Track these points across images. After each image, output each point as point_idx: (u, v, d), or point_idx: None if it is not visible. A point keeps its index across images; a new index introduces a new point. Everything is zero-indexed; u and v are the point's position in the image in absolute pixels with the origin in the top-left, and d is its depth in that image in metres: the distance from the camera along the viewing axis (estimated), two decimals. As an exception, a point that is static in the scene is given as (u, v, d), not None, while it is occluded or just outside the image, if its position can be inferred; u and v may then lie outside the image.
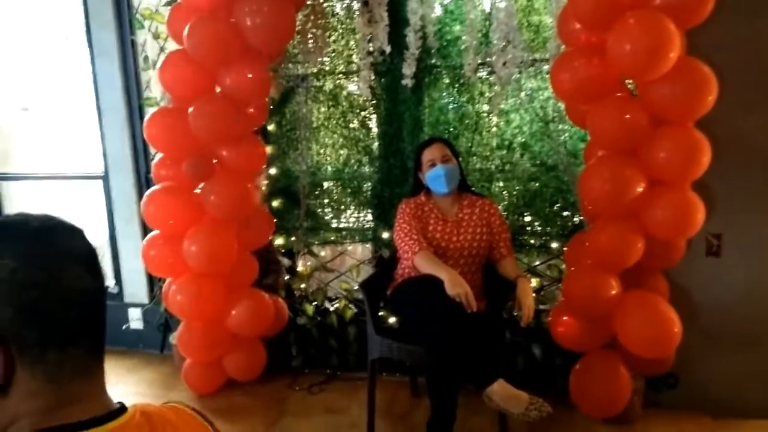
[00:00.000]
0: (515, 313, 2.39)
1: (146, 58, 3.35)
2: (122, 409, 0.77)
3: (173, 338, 3.29)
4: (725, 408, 2.77)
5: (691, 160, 2.29)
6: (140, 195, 3.53)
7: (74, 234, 0.77)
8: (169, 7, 2.91)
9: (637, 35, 2.13)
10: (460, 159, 2.75)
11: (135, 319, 3.69)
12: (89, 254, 0.76)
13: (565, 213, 2.98)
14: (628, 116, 2.30)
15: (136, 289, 3.70)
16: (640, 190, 2.33)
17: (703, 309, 2.74)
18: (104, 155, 3.55)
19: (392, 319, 2.93)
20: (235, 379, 3.19)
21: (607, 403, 2.65)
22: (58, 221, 0.76)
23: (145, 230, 3.54)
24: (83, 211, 3.77)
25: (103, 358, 0.78)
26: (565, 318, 2.71)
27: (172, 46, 3.23)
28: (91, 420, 0.72)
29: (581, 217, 2.93)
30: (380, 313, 2.92)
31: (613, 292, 2.49)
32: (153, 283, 3.65)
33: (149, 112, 3.43)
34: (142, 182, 3.55)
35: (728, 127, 2.49)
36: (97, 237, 3.81)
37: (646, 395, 2.81)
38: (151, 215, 2.90)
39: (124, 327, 3.68)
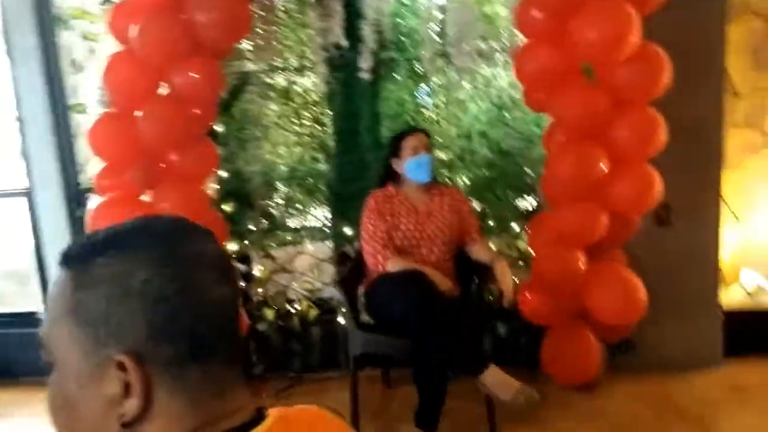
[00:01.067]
0: (491, 296, 2.47)
1: (73, 61, 3.09)
2: (260, 417, 0.70)
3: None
4: (677, 365, 2.98)
5: (650, 138, 2.46)
6: (71, 210, 3.28)
7: (205, 237, 0.69)
8: (103, 7, 2.72)
9: (601, 21, 2.26)
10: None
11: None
12: (222, 258, 0.69)
13: (522, 195, 3.09)
14: (590, 100, 2.43)
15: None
16: (605, 169, 2.47)
17: (654, 275, 2.86)
18: (28, 169, 3.24)
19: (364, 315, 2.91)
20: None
21: (581, 371, 2.80)
22: (186, 223, 0.69)
23: (79, 247, 3.28)
24: (4, 231, 3.42)
25: (241, 370, 0.71)
26: (532, 295, 2.82)
27: (102, 47, 3.03)
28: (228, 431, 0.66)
29: (537, 199, 3.06)
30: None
31: (582, 266, 2.62)
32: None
33: (78, 119, 3.20)
34: (72, 196, 3.28)
35: (672, 104, 2.66)
36: (21, 259, 3.48)
37: (606, 361, 2.98)
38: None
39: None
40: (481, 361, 2.28)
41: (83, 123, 3.23)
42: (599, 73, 2.48)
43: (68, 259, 0.65)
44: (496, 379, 2.25)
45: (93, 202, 3.00)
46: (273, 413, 0.71)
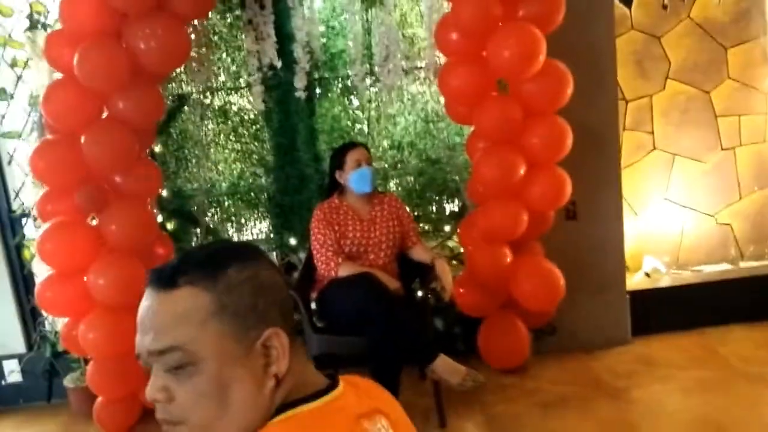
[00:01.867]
0: (434, 289, 2.71)
1: (2, 90, 3.08)
2: (335, 382, 0.88)
3: (71, 381, 3.09)
4: (592, 344, 3.31)
5: (559, 143, 2.79)
6: (2, 236, 3.25)
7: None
8: (27, 33, 2.76)
9: (514, 43, 2.56)
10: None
11: (12, 372, 3.36)
12: None
13: (450, 199, 3.37)
14: (506, 111, 2.74)
15: (7, 340, 3.36)
16: (522, 172, 2.78)
17: (567, 264, 3.14)
18: (-46, 198, 3.19)
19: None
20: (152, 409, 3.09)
21: (513, 356, 3.09)
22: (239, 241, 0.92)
23: (13, 274, 3.27)
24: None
25: None
26: (466, 289, 3.08)
27: (30, 74, 3.05)
28: (317, 392, 0.84)
29: (462, 202, 3.34)
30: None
31: (509, 260, 2.92)
32: (29, 328, 3.36)
33: (8, 145, 3.19)
34: (5, 222, 3.25)
35: (574, 114, 3.00)
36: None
37: (532, 345, 3.29)
38: (48, 254, 2.71)
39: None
40: (431, 350, 2.53)
41: (12, 150, 3.22)
42: (512, 87, 2.79)
43: (190, 276, 0.78)
44: (445, 366, 2.52)
45: (34, 227, 3.01)
46: (341, 378, 0.90)
